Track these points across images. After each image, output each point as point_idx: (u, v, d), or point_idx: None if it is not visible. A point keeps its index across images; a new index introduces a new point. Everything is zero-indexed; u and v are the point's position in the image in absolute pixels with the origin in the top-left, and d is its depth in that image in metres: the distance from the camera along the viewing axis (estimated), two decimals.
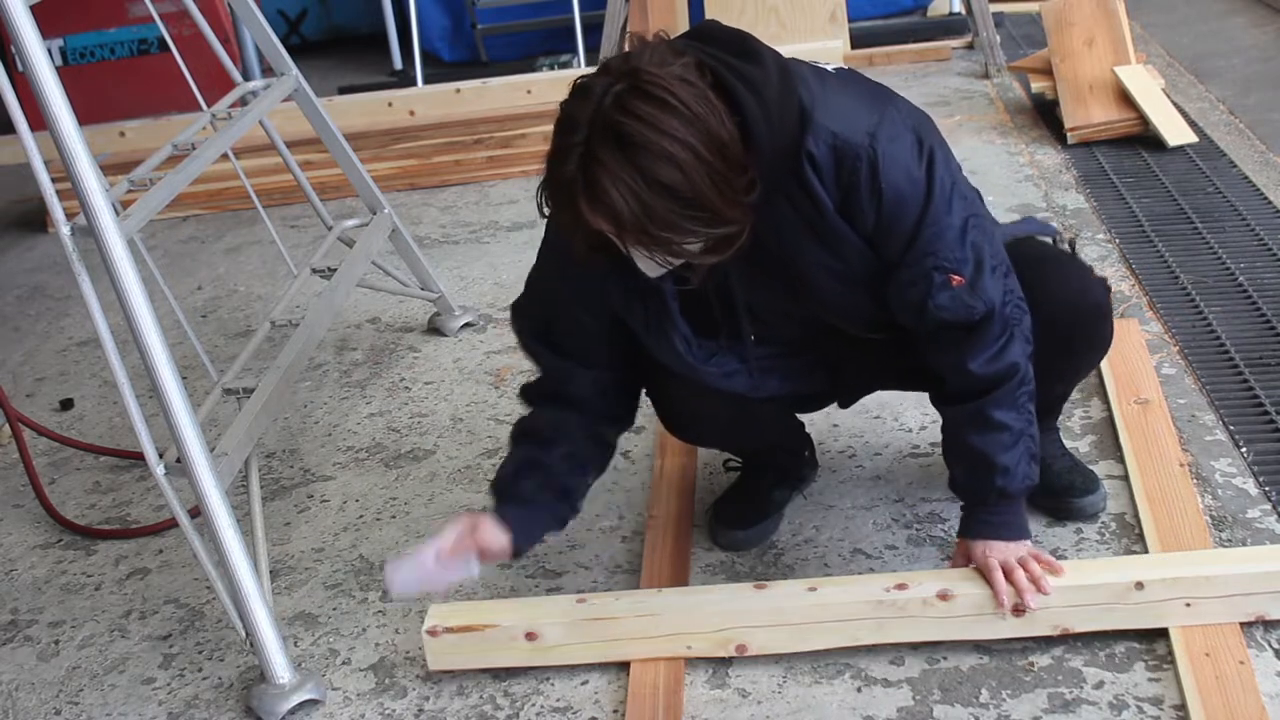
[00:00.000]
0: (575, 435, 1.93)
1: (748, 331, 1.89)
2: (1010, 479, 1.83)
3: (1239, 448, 2.29)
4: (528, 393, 1.99)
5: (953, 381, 1.84)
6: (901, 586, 1.86)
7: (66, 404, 3.12)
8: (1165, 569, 1.85)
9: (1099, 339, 2.00)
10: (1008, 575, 1.85)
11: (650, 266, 1.66)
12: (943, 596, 1.84)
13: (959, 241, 1.72)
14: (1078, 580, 1.85)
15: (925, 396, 2.49)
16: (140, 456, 2.08)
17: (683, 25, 5.01)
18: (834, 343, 1.96)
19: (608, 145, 1.52)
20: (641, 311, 1.83)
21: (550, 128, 1.61)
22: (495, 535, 1.88)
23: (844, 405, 2.17)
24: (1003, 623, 1.84)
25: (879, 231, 1.72)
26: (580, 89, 1.57)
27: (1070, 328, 1.92)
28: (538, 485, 1.91)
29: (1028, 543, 1.89)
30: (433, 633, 1.92)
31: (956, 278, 1.72)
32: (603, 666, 1.94)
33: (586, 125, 1.53)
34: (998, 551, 1.86)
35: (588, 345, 1.90)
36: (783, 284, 1.82)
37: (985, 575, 1.86)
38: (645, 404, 2.70)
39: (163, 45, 3.84)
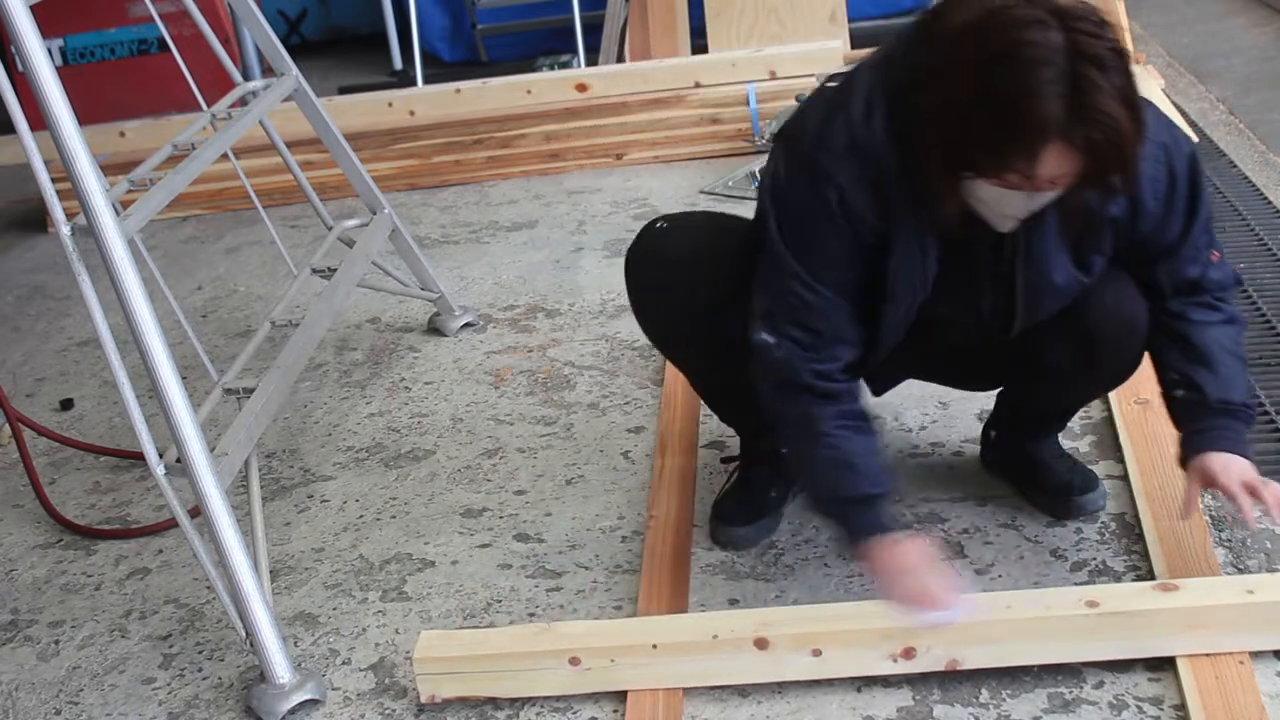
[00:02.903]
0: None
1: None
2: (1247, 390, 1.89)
3: None
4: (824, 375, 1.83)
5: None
6: (909, 653, 1.81)
7: (66, 404, 3.12)
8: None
9: (1130, 354, 1.97)
10: (1256, 494, 1.79)
11: (1013, 216, 1.68)
12: (951, 668, 1.82)
13: (1210, 224, 1.88)
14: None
15: (924, 397, 2.50)
16: (140, 456, 2.08)
17: (683, 25, 5.00)
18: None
19: (1096, 70, 1.51)
20: (905, 279, 1.79)
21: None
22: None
23: (878, 394, 2.16)
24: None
25: (1163, 222, 1.81)
26: (1011, 33, 1.52)
27: (1104, 340, 1.92)
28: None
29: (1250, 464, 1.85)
30: (431, 700, 1.91)
31: (1215, 254, 1.89)
32: None
33: (1065, 54, 1.51)
34: (1237, 469, 1.82)
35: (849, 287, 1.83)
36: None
37: (1228, 492, 1.81)
38: (645, 402, 2.70)
39: (163, 45, 3.84)
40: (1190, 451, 1.89)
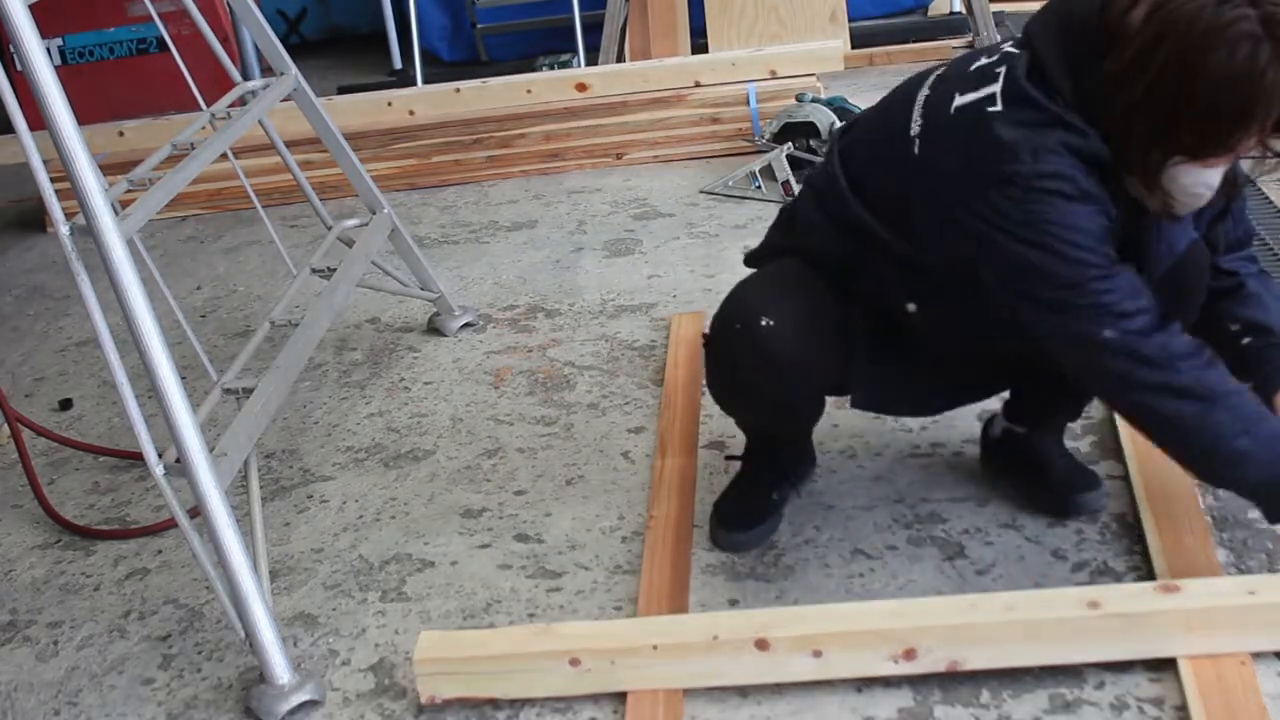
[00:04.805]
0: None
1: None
2: None
3: None
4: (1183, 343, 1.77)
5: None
6: (909, 654, 1.81)
7: (65, 404, 3.12)
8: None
9: (1199, 302, 1.93)
10: None
11: (1209, 192, 1.73)
12: (952, 669, 1.81)
13: None
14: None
15: None
16: (139, 456, 2.08)
17: (683, 25, 5.00)
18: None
19: None
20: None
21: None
22: None
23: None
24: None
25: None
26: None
27: (1190, 290, 1.92)
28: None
29: None
30: (430, 701, 1.90)
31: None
32: None
33: (1264, 28, 1.54)
34: None
35: None
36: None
37: None
38: (645, 402, 2.70)
39: (162, 45, 3.83)
40: (1276, 386, 1.85)
